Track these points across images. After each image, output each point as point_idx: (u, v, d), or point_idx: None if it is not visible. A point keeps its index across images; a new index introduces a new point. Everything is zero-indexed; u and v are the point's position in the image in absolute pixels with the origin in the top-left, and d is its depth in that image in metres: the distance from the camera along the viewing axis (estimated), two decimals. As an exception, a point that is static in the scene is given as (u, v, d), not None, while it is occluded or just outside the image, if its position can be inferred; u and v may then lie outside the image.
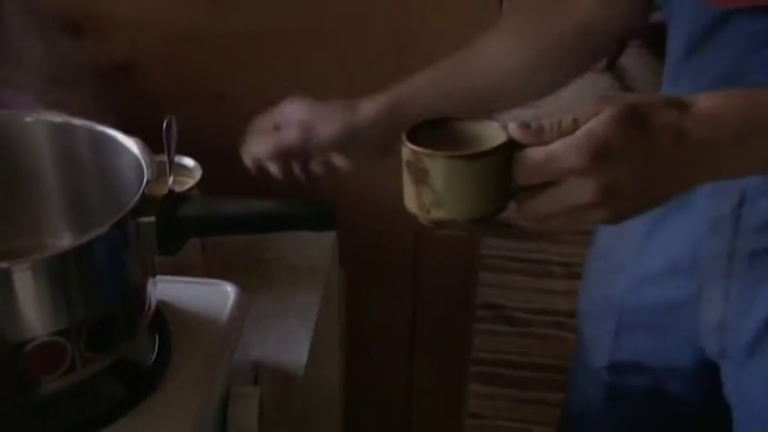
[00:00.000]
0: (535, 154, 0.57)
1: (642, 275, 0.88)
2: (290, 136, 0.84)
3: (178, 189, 0.93)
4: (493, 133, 0.60)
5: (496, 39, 0.85)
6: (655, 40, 3.62)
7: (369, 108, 0.83)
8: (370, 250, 1.32)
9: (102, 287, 0.65)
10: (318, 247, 1.07)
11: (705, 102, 0.58)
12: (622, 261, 0.90)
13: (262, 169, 0.87)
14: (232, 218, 0.68)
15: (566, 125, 0.57)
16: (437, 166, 0.58)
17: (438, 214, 0.59)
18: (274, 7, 1.14)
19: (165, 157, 0.91)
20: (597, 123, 0.56)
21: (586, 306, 0.98)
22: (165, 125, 0.72)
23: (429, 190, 0.59)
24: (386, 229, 1.32)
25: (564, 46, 0.84)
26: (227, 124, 1.19)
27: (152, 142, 0.87)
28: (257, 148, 0.86)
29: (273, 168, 0.86)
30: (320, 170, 0.87)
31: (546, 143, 0.57)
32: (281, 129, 0.85)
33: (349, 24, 1.11)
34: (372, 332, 1.41)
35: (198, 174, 0.95)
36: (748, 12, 0.70)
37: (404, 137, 0.60)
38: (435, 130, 0.61)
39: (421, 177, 0.59)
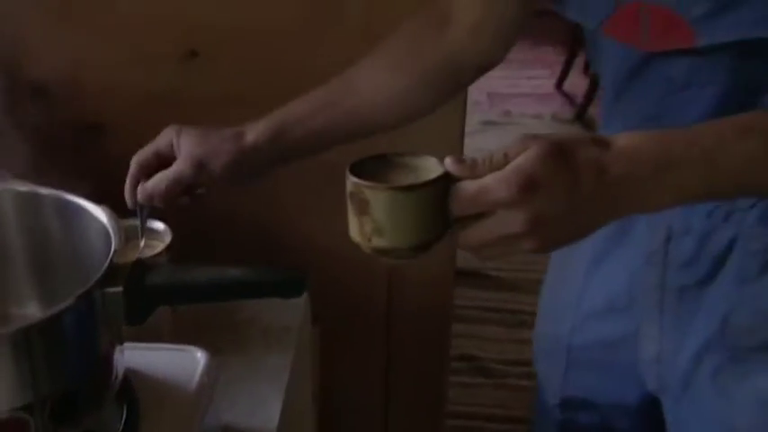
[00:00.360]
0: (468, 186, 0.62)
1: (586, 313, 0.91)
2: (185, 172, 0.86)
3: (148, 253, 0.93)
4: (431, 167, 0.64)
5: (368, 71, 0.88)
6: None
7: (254, 135, 0.87)
8: (344, 305, 1.32)
9: (67, 359, 0.64)
10: (291, 306, 1.07)
11: (624, 140, 0.63)
12: (567, 299, 0.93)
13: (150, 202, 0.88)
14: (200, 287, 0.68)
15: (497, 160, 0.62)
16: (377, 197, 0.62)
17: (379, 243, 0.63)
18: (245, 69, 1.16)
19: (135, 221, 0.92)
20: (525, 159, 0.60)
21: (539, 345, 1.00)
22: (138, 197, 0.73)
23: (370, 220, 0.62)
24: (359, 284, 1.32)
25: (431, 78, 0.88)
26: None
27: (123, 204, 0.88)
28: (152, 185, 0.86)
29: (160, 203, 0.88)
30: (204, 192, 0.90)
31: (479, 177, 0.61)
32: (171, 162, 0.87)
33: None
34: (347, 386, 1.40)
35: (168, 237, 0.95)
36: (664, 56, 0.73)
37: (347, 170, 0.63)
38: (377, 164, 0.65)
39: (363, 208, 0.62)
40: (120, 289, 0.65)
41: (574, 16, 0.77)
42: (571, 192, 0.61)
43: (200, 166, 0.86)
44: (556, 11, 0.78)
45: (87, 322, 0.64)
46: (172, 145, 0.87)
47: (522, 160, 0.60)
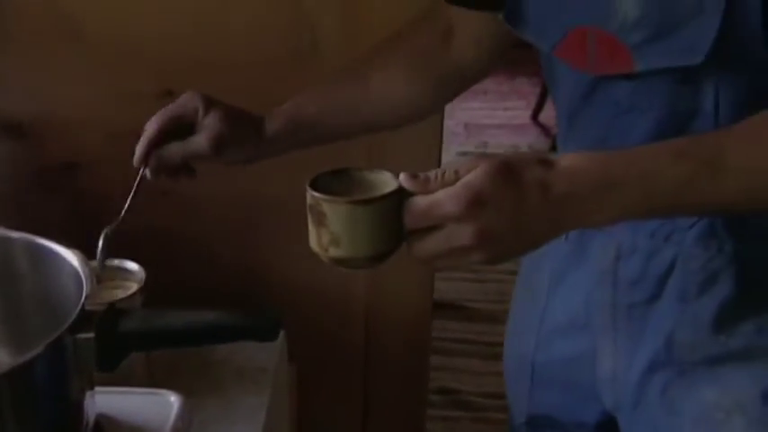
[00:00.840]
0: (420, 201, 0.65)
1: (548, 330, 0.92)
2: (205, 151, 0.86)
3: (121, 294, 0.92)
4: (387, 181, 0.68)
5: (383, 75, 0.94)
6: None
7: (273, 127, 0.90)
8: (321, 342, 1.31)
9: (37, 408, 0.63)
10: (266, 345, 1.06)
11: (567, 160, 0.67)
12: (531, 318, 0.95)
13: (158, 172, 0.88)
14: (174, 332, 0.67)
15: (448, 177, 0.65)
16: (333, 209, 0.65)
17: (336, 253, 0.66)
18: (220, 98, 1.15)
19: (110, 262, 0.91)
20: (474, 176, 0.64)
21: (507, 365, 1.01)
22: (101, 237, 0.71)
23: (327, 231, 0.66)
24: (336, 320, 1.32)
25: (440, 84, 0.95)
26: (171, 221, 1.20)
27: (96, 240, 0.87)
28: (168, 155, 0.87)
29: (167, 173, 0.88)
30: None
31: (431, 192, 0.65)
32: (188, 129, 0.87)
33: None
34: (325, 423, 1.39)
35: (142, 278, 0.94)
36: (610, 81, 0.77)
37: (307, 184, 0.67)
38: (336, 179, 0.69)
39: (320, 220, 0.66)
40: (91, 335, 0.64)
41: (530, 38, 0.81)
42: (516, 207, 0.64)
43: (221, 146, 0.86)
44: (513, 32, 0.82)
45: (58, 370, 0.63)
46: (197, 114, 0.86)
47: (471, 177, 0.64)
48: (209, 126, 0.86)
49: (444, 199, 0.64)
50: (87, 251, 0.75)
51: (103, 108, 1.14)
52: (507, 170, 0.64)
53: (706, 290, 0.79)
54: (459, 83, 0.97)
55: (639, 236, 0.80)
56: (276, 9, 1.12)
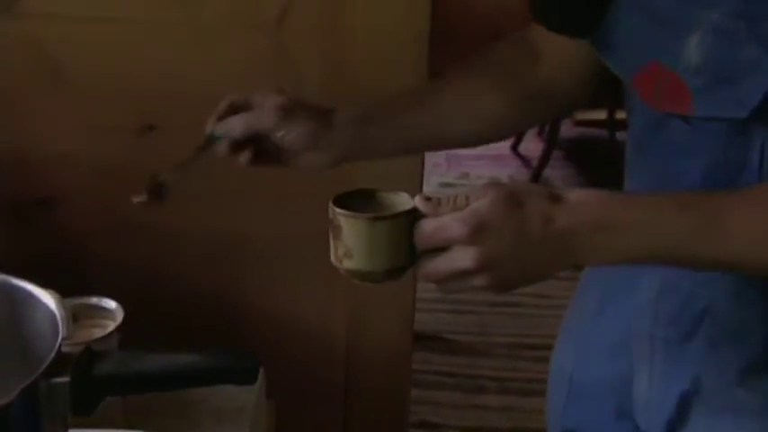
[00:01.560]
0: (429, 223, 0.68)
1: (589, 351, 0.94)
2: (268, 120, 0.87)
3: (99, 333, 0.91)
4: (404, 203, 0.72)
5: (466, 80, 0.93)
6: (575, 154, 3.78)
7: (343, 113, 0.90)
8: (300, 378, 1.30)
9: (9, 455, 0.61)
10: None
11: (575, 196, 0.69)
12: (575, 337, 0.97)
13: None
14: (151, 376, 0.66)
15: (460, 201, 0.68)
16: (347, 223, 0.70)
17: (348, 265, 0.71)
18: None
19: (88, 300, 0.90)
20: (481, 203, 0.67)
21: (550, 377, 1.03)
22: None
23: (342, 244, 0.71)
24: (315, 356, 1.31)
25: (526, 103, 0.94)
26: (149, 256, 1.19)
27: (73, 277, 0.86)
28: (231, 123, 0.88)
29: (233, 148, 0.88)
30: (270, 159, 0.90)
31: (441, 214, 0.68)
32: (254, 110, 0.88)
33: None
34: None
35: (120, 316, 0.93)
36: (674, 120, 0.78)
37: (330, 200, 0.71)
38: (360, 197, 0.74)
39: (337, 233, 0.71)
40: (67, 379, 0.63)
41: (613, 65, 0.82)
42: (517, 236, 0.67)
43: (283, 120, 0.86)
44: (599, 56, 0.83)
45: (32, 415, 0.62)
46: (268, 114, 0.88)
47: (478, 204, 0.67)
48: (274, 101, 0.88)
49: (451, 223, 0.67)
50: (64, 290, 0.74)
51: (84, 143, 1.13)
52: (513, 199, 0.67)
53: (735, 341, 0.79)
54: (547, 106, 0.96)
55: (684, 275, 0.80)
56: (260, 50, 1.12)
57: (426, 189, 1.27)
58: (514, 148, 3.76)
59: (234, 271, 1.21)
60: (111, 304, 0.94)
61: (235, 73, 1.12)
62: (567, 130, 3.69)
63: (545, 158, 3.48)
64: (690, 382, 0.83)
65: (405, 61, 1.12)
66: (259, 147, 0.89)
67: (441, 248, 0.68)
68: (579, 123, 3.65)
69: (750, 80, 0.70)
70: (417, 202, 0.69)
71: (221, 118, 0.89)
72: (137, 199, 0.89)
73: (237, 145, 0.88)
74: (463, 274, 0.67)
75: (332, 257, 0.72)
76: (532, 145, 3.67)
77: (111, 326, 0.91)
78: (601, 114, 3.52)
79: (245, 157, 0.89)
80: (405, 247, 0.70)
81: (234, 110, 0.89)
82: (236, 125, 0.87)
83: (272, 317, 1.22)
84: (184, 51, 1.11)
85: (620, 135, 3.35)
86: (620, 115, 3.30)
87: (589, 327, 0.95)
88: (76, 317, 0.91)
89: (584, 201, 0.68)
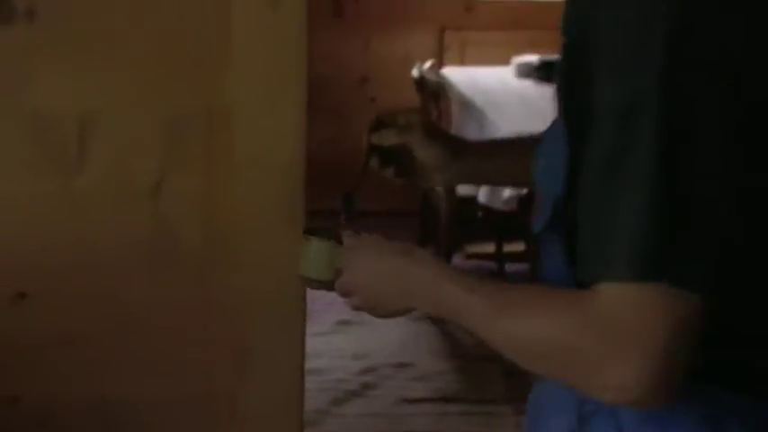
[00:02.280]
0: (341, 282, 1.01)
1: None
2: (417, 119, 1.07)
3: None
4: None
5: None
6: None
7: (471, 149, 1.11)
8: None
9: None
10: None
11: (420, 254, 0.92)
12: None
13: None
14: None
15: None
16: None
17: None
18: (79, 308, 1.13)
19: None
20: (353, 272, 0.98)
21: None
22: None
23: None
24: None
25: None
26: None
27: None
28: (386, 134, 1.07)
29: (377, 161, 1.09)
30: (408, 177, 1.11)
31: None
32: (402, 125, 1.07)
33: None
34: None
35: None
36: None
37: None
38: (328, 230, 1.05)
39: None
40: None
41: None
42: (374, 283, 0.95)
43: (431, 127, 1.08)
44: None
45: None
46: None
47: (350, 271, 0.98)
48: (418, 119, 1.07)
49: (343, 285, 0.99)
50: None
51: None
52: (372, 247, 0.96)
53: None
54: None
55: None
56: (133, 211, 1.13)
57: (324, 328, 1.30)
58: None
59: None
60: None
61: (109, 241, 1.13)
62: (459, 262, 3.76)
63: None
64: None
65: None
66: (399, 164, 1.08)
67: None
68: (471, 256, 3.74)
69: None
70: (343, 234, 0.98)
71: (372, 131, 1.06)
72: (341, 219, 1.07)
73: (385, 160, 1.07)
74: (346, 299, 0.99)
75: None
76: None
77: None
78: (489, 248, 3.61)
79: (390, 171, 1.08)
80: (325, 268, 1.01)
81: (382, 125, 1.07)
82: (390, 136, 1.05)
83: None
84: (59, 221, 1.11)
85: (508, 267, 3.45)
86: (508, 248, 3.41)
87: None
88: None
89: (422, 261, 0.90)
